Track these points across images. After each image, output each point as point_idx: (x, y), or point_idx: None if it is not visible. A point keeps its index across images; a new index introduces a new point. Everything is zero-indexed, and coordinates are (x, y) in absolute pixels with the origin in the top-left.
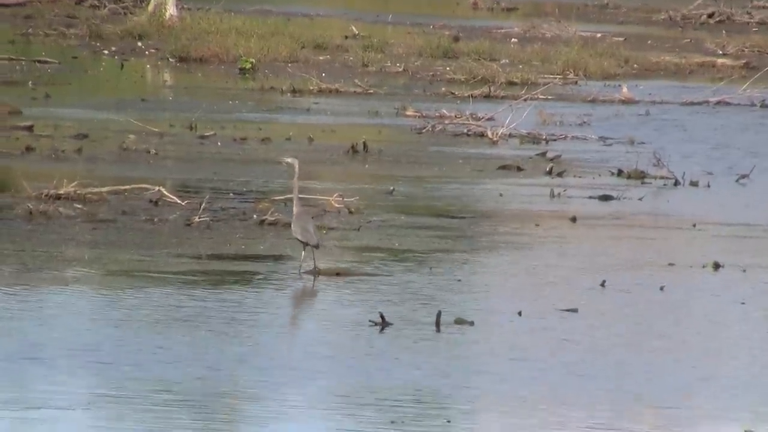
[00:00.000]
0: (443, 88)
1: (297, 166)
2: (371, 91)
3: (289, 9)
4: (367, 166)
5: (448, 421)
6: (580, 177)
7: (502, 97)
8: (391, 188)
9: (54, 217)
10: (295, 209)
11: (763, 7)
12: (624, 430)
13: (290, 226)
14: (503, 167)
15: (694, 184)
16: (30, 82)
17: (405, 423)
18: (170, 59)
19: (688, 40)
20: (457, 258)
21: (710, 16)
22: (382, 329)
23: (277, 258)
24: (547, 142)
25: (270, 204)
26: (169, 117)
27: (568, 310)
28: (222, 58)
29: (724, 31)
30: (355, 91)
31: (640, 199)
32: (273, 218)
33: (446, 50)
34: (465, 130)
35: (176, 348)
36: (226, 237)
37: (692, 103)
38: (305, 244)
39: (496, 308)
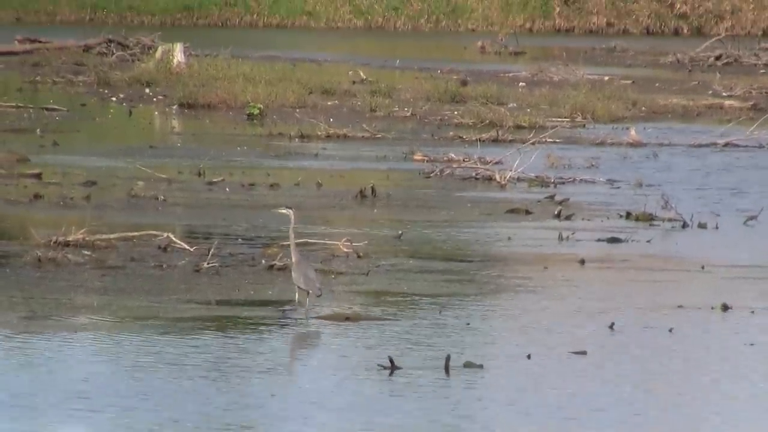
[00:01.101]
0: (451, 132)
1: (292, 216)
2: (379, 136)
3: (297, 54)
4: (375, 210)
5: None
6: (588, 220)
7: (510, 141)
8: (400, 232)
9: (63, 265)
10: (293, 258)
11: None
12: None
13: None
14: (512, 211)
15: (702, 226)
16: (38, 130)
17: None
18: (175, 107)
19: (696, 82)
20: (466, 301)
21: (718, 58)
22: (391, 373)
23: (286, 303)
24: (555, 185)
25: (278, 249)
26: (177, 163)
27: (577, 353)
28: (230, 104)
29: (718, 74)
30: (363, 136)
31: (649, 242)
32: (282, 263)
33: (454, 95)
34: (473, 174)
35: (185, 395)
36: (234, 283)
37: (700, 146)
38: (307, 293)
39: (505, 351)
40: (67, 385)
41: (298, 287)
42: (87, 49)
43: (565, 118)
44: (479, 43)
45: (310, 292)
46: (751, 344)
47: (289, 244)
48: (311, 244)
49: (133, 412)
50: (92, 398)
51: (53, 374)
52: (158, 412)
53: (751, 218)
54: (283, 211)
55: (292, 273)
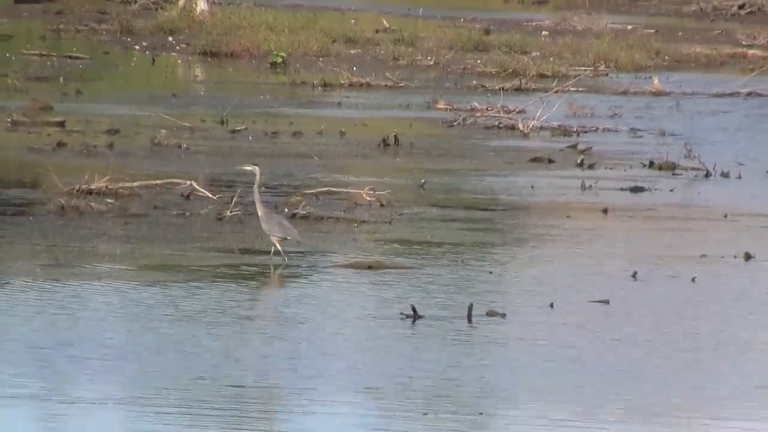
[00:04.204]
0: (474, 81)
1: (257, 173)
2: (402, 85)
3: (320, 3)
4: (398, 159)
5: (481, 413)
6: (611, 169)
7: (533, 90)
8: (423, 181)
9: (86, 212)
10: (260, 212)
11: None
12: (656, 422)
13: (321, 219)
14: (534, 159)
15: (725, 175)
16: (61, 78)
17: (437, 415)
18: (197, 55)
19: (719, 31)
20: (489, 250)
21: (741, 7)
22: (414, 322)
23: (309, 251)
24: (578, 134)
25: (301, 198)
26: (200, 112)
27: (599, 302)
28: (253, 53)
29: (719, 23)
30: (386, 85)
31: (672, 191)
32: (304, 212)
33: (477, 43)
34: (496, 123)
35: (207, 343)
36: (257, 231)
37: (723, 95)
38: (284, 239)
39: (528, 300)
40: (87, 335)
41: (274, 237)
42: None
43: (588, 67)
44: None
45: (290, 238)
46: None
47: (324, 190)
48: (334, 192)
49: (174, 361)
50: (111, 349)
51: (84, 322)
52: (195, 359)
53: None
54: (248, 168)
55: (263, 225)
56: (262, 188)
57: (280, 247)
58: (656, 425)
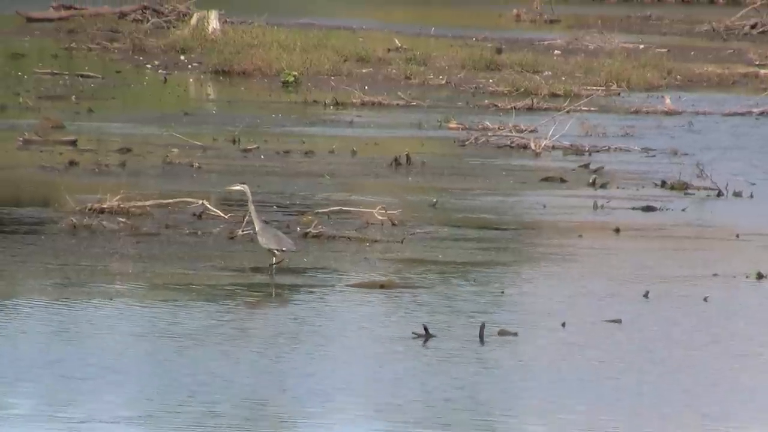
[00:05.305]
0: (486, 100)
1: (248, 191)
2: (414, 104)
3: (332, 22)
4: (410, 178)
5: None
6: (623, 188)
7: (545, 109)
8: (434, 200)
9: (98, 231)
10: (257, 226)
11: None
12: None
13: (333, 238)
14: (546, 179)
15: (737, 194)
16: (73, 97)
17: None
18: (209, 73)
19: (731, 50)
20: (501, 270)
21: (753, 26)
22: (426, 341)
23: (321, 271)
24: (590, 153)
25: (313, 217)
26: (212, 130)
27: (611, 321)
28: (265, 72)
29: (732, 42)
30: (397, 104)
31: (684, 210)
32: (317, 231)
33: (489, 62)
34: (508, 142)
35: (219, 363)
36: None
37: (735, 114)
38: (280, 251)
39: (540, 319)
40: (99, 354)
41: (271, 250)
42: (122, 15)
43: (600, 86)
44: (514, 11)
45: (285, 249)
46: None
47: (337, 208)
48: (346, 211)
49: (186, 381)
50: (123, 368)
51: (87, 342)
52: (206, 379)
53: None
54: (238, 187)
55: (260, 239)
56: (274, 207)
57: (274, 261)
58: None
